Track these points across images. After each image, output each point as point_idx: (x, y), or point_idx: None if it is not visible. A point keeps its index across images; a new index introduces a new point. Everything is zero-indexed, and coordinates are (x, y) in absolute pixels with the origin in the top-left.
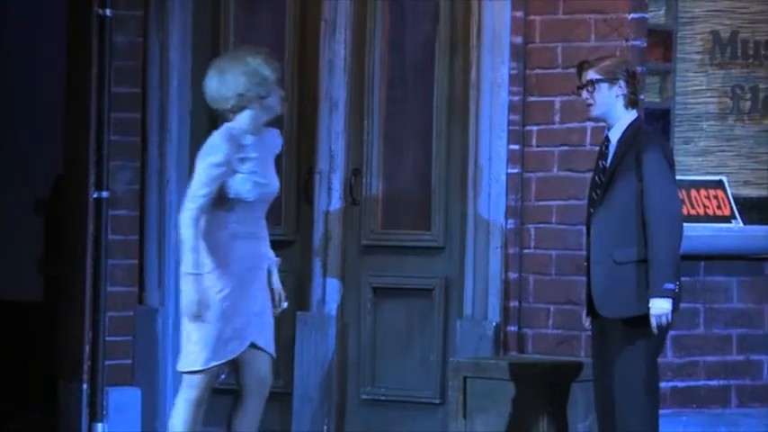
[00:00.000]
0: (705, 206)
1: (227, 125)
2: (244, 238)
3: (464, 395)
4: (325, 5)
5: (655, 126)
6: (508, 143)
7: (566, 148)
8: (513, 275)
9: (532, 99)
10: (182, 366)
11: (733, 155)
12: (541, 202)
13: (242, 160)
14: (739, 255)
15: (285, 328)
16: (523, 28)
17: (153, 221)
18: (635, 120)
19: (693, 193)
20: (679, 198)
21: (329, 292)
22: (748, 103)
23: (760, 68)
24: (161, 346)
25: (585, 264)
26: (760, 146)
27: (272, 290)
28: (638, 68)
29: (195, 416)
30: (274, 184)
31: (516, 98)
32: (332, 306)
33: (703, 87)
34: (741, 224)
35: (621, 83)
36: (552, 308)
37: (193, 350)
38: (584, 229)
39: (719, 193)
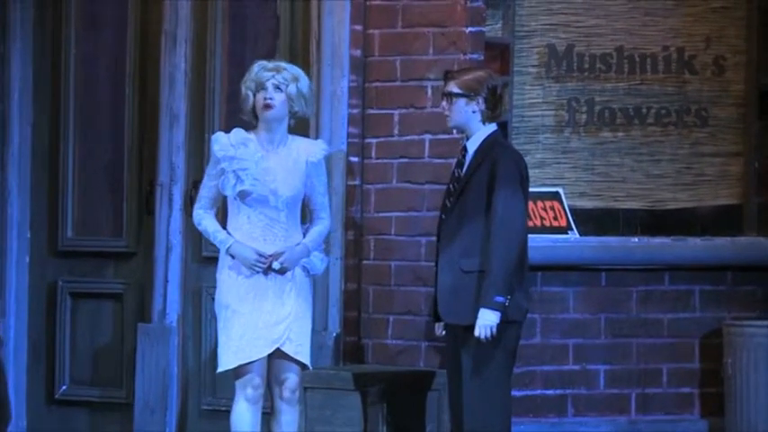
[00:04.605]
0: (542, 217)
1: None
2: None
3: (305, 405)
4: (165, 19)
5: None
6: (347, 155)
7: (404, 160)
8: (352, 286)
9: (372, 112)
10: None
11: (569, 167)
12: (380, 214)
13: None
14: (575, 265)
15: (127, 339)
16: (363, 41)
17: None
18: (493, 133)
19: (531, 204)
20: (524, 214)
21: (170, 303)
22: (584, 116)
23: (595, 81)
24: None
25: (435, 269)
26: (595, 158)
27: None
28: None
29: None
30: (265, 185)
31: (356, 111)
32: (173, 317)
33: (540, 100)
34: (577, 235)
35: (480, 99)
36: (391, 318)
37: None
38: (422, 240)
39: (556, 204)
